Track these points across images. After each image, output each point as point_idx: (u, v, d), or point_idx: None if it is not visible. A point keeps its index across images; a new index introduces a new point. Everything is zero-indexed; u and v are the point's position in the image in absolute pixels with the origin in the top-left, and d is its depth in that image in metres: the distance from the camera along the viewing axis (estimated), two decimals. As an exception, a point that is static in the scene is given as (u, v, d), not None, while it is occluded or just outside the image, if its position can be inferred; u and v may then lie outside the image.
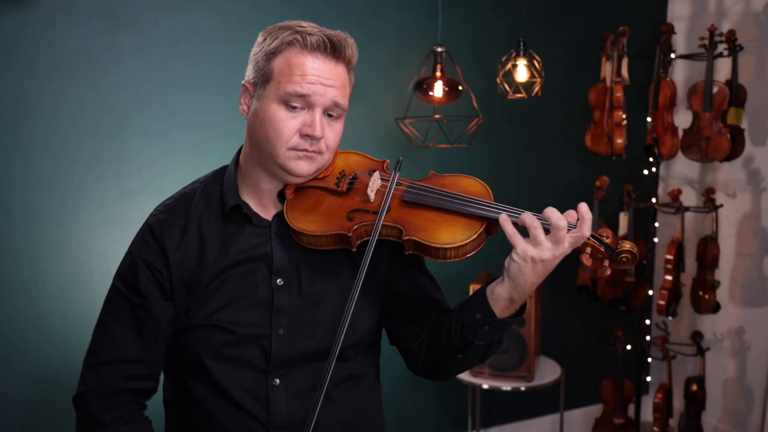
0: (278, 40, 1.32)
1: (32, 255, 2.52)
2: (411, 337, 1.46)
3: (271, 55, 1.32)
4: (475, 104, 2.80)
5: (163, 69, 2.63)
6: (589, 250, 1.29)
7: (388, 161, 1.45)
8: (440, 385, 3.27)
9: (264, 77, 1.33)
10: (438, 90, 2.71)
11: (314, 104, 1.31)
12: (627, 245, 1.27)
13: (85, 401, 1.37)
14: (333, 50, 1.32)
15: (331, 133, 1.35)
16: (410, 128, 2.77)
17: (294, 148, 1.32)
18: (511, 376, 2.98)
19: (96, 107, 2.56)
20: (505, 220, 1.27)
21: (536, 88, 2.79)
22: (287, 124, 1.31)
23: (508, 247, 1.38)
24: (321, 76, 1.31)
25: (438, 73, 2.72)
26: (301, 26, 1.34)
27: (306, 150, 1.32)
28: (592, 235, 1.28)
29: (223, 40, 2.70)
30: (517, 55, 2.78)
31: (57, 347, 2.56)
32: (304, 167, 1.34)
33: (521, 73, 2.78)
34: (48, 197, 2.53)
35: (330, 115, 1.35)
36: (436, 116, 2.74)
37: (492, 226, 1.32)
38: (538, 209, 1.29)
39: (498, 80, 2.83)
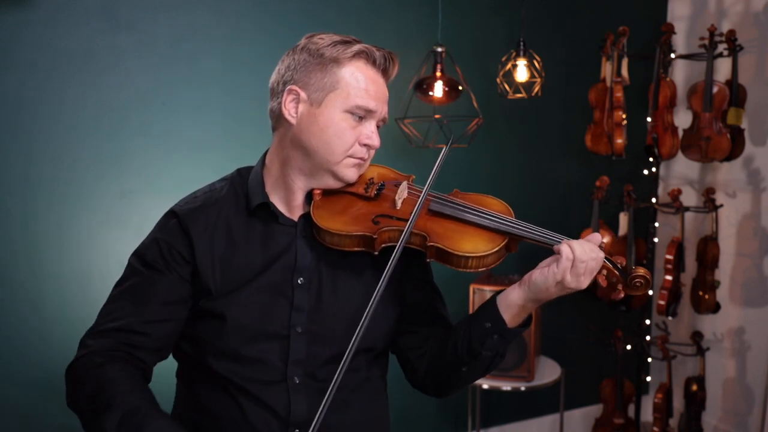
0: (341, 50, 1.36)
1: (32, 255, 2.52)
2: (411, 347, 1.48)
3: (335, 64, 1.36)
4: (475, 104, 2.80)
5: (163, 69, 2.63)
6: (605, 272, 1.33)
7: (413, 176, 1.50)
8: (440, 385, 3.27)
9: (328, 85, 1.36)
10: (438, 90, 2.71)
11: (373, 117, 1.40)
12: (641, 271, 1.31)
13: (81, 363, 1.32)
14: (387, 68, 1.43)
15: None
16: (410, 128, 2.77)
17: (352, 155, 1.39)
18: (511, 376, 2.98)
19: (96, 107, 2.56)
20: (566, 248, 1.30)
21: (536, 88, 2.79)
22: (351, 132, 1.38)
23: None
24: (380, 92, 1.40)
25: (438, 73, 2.72)
26: (355, 39, 1.41)
27: (362, 158, 1.40)
28: (608, 260, 1.32)
29: (223, 39, 2.70)
30: (517, 55, 2.78)
31: (56, 348, 2.56)
32: (354, 174, 1.42)
33: (521, 73, 2.78)
34: (48, 197, 2.53)
35: (377, 126, 1.43)
36: (436, 116, 2.74)
37: (512, 243, 1.37)
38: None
39: (498, 80, 2.83)
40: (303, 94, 1.37)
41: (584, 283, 1.29)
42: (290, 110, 1.39)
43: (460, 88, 2.76)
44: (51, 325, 2.56)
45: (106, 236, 2.60)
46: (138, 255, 1.40)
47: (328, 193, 1.43)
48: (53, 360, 2.56)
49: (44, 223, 2.52)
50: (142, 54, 2.60)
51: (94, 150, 2.57)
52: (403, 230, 1.33)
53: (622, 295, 1.34)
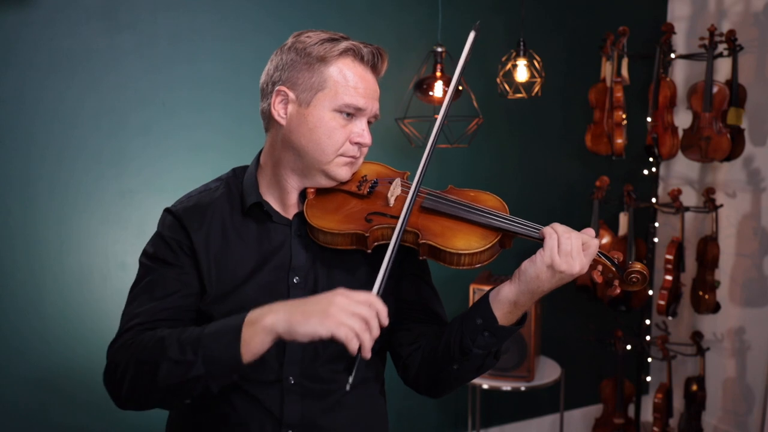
0: (328, 49, 1.35)
1: (32, 255, 2.52)
2: (403, 343, 1.47)
3: (322, 63, 1.35)
4: (475, 104, 2.80)
5: (163, 69, 2.63)
6: (600, 268, 1.31)
7: (408, 173, 1.48)
8: (440, 385, 3.27)
9: (316, 84, 1.35)
10: (438, 90, 2.71)
11: (363, 115, 1.39)
12: (637, 266, 1.29)
13: (112, 362, 1.28)
14: (376, 64, 1.39)
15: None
16: (410, 128, 2.77)
17: (343, 154, 1.38)
18: (511, 376, 2.98)
19: (96, 107, 2.56)
20: (549, 232, 1.29)
21: (536, 88, 2.79)
22: (341, 131, 1.36)
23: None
24: (369, 89, 1.38)
25: (438, 73, 2.72)
26: (343, 36, 1.38)
27: (354, 156, 1.39)
28: (603, 255, 1.30)
29: (223, 39, 2.70)
30: (517, 55, 2.78)
31: (56, 348, 2.56)
32: (346, 173, 1.41)
33: (521, 73, 2.79)
34: (48, 197, 2.53)
35: (368, 123, 1.41)
36: (436, 116, 2.74)
37: (506, 239, 1.35)
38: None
39: (498, 80, 2.83)
40: (291, 95, 1.37)
41: (575, 266, 1.26)
42: (279, 111, 1.38)
43: (460, 88, 2.76)
44: (51, 325, 2.56)
45: (105, 236, 2.60)
46: (147, 254, 1.40)
47: (321, 191, 1.42)
48: (53, 360, 2.57)
49: (44, 223, 2.53)
50: (142, 54, 2.60)
51: (94, 150, 2.57)
52: (394, 227, 1.32)
53: (619, 290, 1.32)
